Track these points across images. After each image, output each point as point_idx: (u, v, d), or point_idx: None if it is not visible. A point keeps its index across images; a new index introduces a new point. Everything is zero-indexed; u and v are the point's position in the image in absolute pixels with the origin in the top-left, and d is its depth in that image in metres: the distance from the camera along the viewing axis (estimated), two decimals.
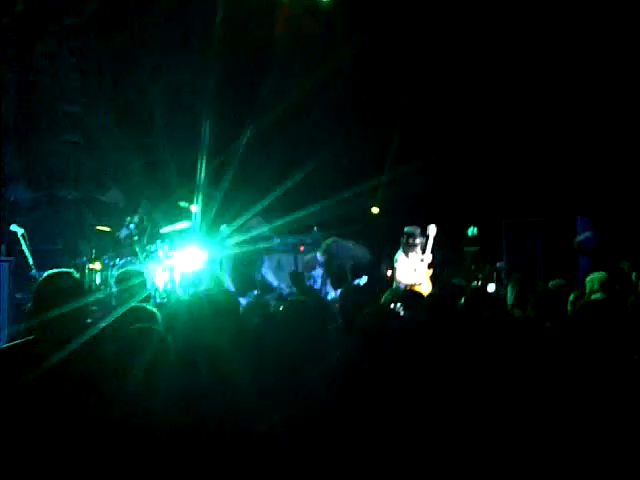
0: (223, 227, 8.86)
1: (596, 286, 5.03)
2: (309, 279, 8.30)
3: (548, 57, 9.89)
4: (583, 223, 8.86)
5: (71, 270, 3.04)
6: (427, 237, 8.08)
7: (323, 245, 9.49)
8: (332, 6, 10.29)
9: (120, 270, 8.14)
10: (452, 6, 10.16)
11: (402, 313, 4.17)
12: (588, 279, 5.36)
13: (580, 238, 8.48)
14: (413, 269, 8.04)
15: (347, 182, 10.79)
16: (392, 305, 4.30)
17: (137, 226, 8.96)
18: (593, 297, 4.45)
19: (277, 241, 9.94)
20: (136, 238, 8.76)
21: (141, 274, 4.67)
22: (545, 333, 3.66)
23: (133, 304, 3.75)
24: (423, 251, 8.06)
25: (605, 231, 8.57)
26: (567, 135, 9.78)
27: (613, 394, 3.03)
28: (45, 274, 2.97)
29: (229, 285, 6.75)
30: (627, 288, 5.56)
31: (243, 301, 6.49)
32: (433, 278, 8.14)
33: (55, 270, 2.99)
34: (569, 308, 4.48)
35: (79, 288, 2.96)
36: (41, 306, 2.83)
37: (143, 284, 4.49)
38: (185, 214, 8.89)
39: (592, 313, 3.44)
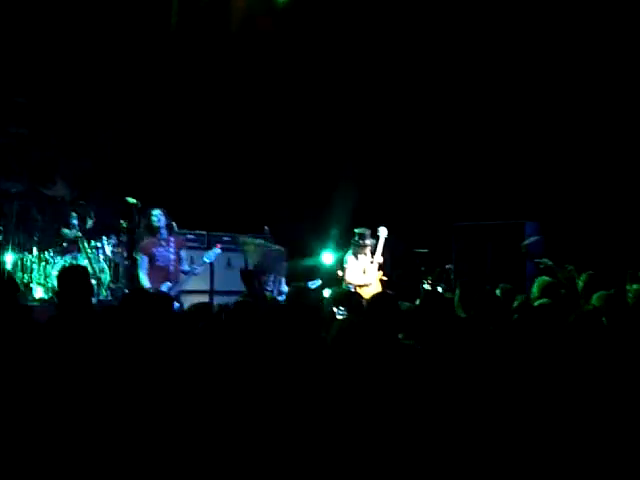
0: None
1: (540, 291, 5.07)
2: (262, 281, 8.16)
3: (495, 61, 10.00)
4: (531, 227, 8.99)
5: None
6: (377, 239, 8.11)
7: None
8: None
9: (62, 265, 8.02)
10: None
11: (342, 315, 4.15)
12: (534, 284, 5.42)
13: (527, 242, 8.58)
14: (362, 270, 8.05)
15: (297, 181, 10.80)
16: (334, 307, 4.27)
17: (81, 222, 8.78)
18: (538, 302, 4.48)
19: (227, 239, 9.84)
20: (80, 234, 8.59)
21: (84, 270, 4.52)
22: (487, 335, 3.67)
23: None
24: (373, 253, 8.08)
25: (552, 235, 8.70)
26: (515, 141, 9.90)
27: (550, 396, 3.05)
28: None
29: (144, 280, 6.62)
30: (572, 293, 5.63)
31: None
32: (384, 280, 8.17)
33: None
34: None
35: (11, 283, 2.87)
36: None
37: (87, 280, 4.34)
38: (133, 210, 8.71)
39: (532, 318, 3.48)
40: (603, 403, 3.14)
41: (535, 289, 5.18)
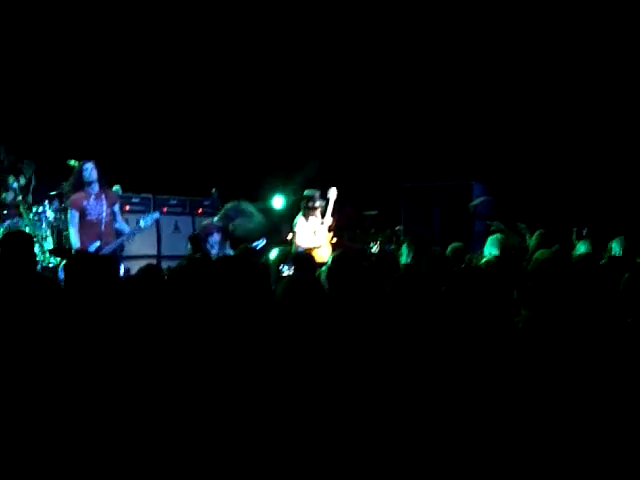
0: (115, 187, 8.48)
1: (489, 248, 5.11)
2: (207, 244, 8.03)
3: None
4: (478, 188, 9.08)
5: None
6: (327, 200, 8.05)
7: (222, 210, 9.28)
8: None
9: (3, 231, 7.75)
10: None
11: (287, 273, 4.11)
12: (487, 242, 5.45)
13: (475, 202, 8.67)
14: (313, 232, 8.00)
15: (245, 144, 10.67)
16: (280, 265, 4.22)
17: (22, 187, 8.50)
18: (485, 259, 4.51)
19: (173, 202, 9.69)
20: (20, 199, 8.31)
21: (28, 236, 4.34)
22: (440, 294, 3.67)
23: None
24: (323, 214, 8.03)
25: (499, 195, 8.82)
26: (462, 101, 9.94)
27: (499, 356, 3.07)
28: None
29: (74, 237, 6.35)
30: (523, 250, 5.69)
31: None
32: (334, 242, 8.15)
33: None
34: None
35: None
36: None
37: (30, 247, 4.16)
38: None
39: (479, 275, 3.48)
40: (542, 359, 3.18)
41: (486, 248, 5.22)
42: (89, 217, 6.32)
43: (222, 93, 10.79)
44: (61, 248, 6.22)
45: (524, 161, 9.57)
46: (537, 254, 4.73)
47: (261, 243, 7.49)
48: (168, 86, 10.56)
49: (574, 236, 6.23)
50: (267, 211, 9.67)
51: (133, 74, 10.32)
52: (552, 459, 2.70)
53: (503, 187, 9.17)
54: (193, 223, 10.01)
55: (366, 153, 10.59)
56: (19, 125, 9.62)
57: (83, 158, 7.15)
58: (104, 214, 6.39)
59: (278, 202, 9.85)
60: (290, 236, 8.17)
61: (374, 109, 10.54)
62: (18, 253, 3.84)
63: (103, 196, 6.44)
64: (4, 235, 4.27)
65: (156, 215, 6.84)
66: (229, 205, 8.85)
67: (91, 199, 6.35)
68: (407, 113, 10.35)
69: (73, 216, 6.34)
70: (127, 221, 7.02)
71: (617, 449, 2.71)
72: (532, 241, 5.70)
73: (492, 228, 6.90)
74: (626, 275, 3.59)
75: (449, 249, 5.25)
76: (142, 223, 6.60)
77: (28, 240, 4.10)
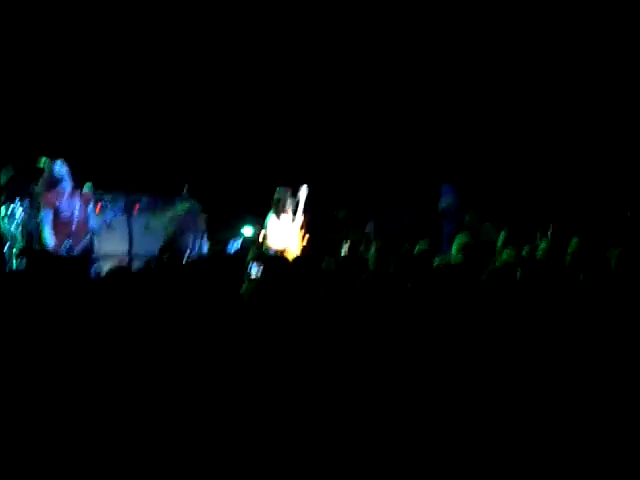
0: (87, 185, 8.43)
1: (458, 249, 5.22)
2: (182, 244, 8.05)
3: None
4: (446, 188, 9.21)
5: None
6: (298, 199, 8.12)
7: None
8: None
9: None
10: None
11: (255, 274, 4.17)
12: (454, 242, 5.55)
13: (443, 204, 8.80)
14: (284, 232, 8.06)
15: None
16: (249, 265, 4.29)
17: None
18: (454, 260, 4.62)
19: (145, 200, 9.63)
20: None
21: None
22: (405, 293, 3.76)
23: None
24: (294, 213, 8.09)
25: (468, 196, 8.95)
26: (430, 104, 10.06)
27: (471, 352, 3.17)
28: None
29: (48, 237, 6.34)
30: (489, 250, 5.80)
31: None
32: (305, 240, 8.20)
33: None
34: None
35: None
36: None
37: None
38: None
39: (447, 276, 3.59)
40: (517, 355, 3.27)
41: (454, 248, 5.32)
42: (63, 215, 6.32)
43: (196, 89, 10.77)
44: (29, 249, 6.19)
45: (492, 161, 9.72)
46: (504, 254, 4.88)
47: (237, 243, 7.55)
48: (140, 82, 10.51)
49: (538, 235, 6.37)
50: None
51: (105, 69, 10.25)
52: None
53: (471, 187, 9.31)
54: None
55: (337, 152, 10.65)
56: None
57: (52, 157, 7.15)
58: (77, 212, 6.39)
59: (248, 231, 9.78)
60: (262, 236, 8.22)
61: (345, 109, 10.61)
62: None
63: (77, 194, 6.44)
64: None
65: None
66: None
67: (64, 197, 6.36)
68: (376, 114, 10.43)
69: (47, 215, 6.33)
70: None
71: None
72: (499, 240, 5.82)
73: (466, 220, 6.97)
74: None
75: (416, 249, 5.34)
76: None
77: None
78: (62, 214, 6.32)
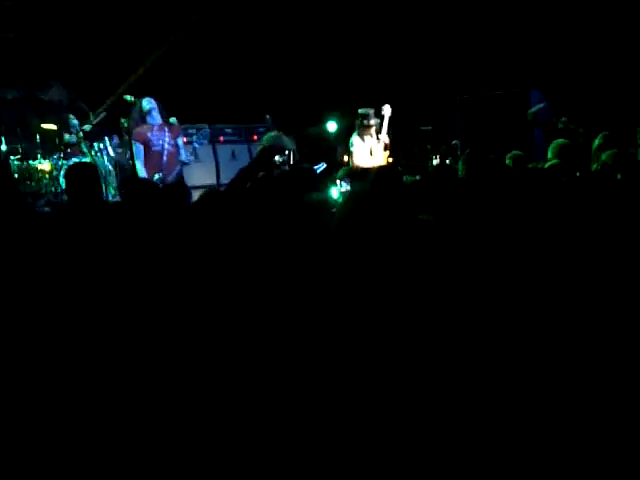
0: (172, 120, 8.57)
1: (553, 153, 5.02)
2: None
3: None
4: (535, 95, 8.82)
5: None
6: (382, 118, 7.98)
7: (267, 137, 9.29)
8: None
9: (69, 164, 7.98)
10: None
11: (346, 188, 4.13)
12: (550, 147, 5.34)
13: (534, 110, 8.44)
14: (369, 151, 7.97)
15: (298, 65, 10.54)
16: (338, 182, 4.25)
17: (82, 124, 8.67)
18: (548, 164, 4.45)
19: (229, 131, 9.75)
20: (82, 135, 8.49)
21: (93, 166, 4.47)
22: (495, 201, 3.66)
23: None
24: (379, 132, 7.97)
25: (558, 101, 8.55)
26: (515, 6, 9.56)
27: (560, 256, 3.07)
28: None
29: (140, 170, 6.56)
30: (584, 155, 5.57)
31: None
32: (390, 159, 8.10)
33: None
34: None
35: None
36: None
37: (96, 176, 4.27)
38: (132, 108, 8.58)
39: (541, 179, 3.46)
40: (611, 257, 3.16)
41: (550, 152, 5.12)
42: (153, 149, 6.52)
43: (272, 19, 10.64)
44: (132, 178, 6.42)
45: (582, 64, 9.22)
46: (604, 155, 4.65)
47: (321, 167, 7.53)
48: (220, 16, 10.45)
49: (639, 136, 6.04)
50: (322, 135, 9.65)
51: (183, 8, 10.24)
52: None
53: (561, 92, 8.88)
54: (249, 150, 10.10)
55: (419, 67, 10.36)
56: (75, 63, 9.73)
57: (136, 93, 7.31)
58: (167, 145, 6.58)
59: (332, 126, 9.78)
60: (346, 158, 8.17)
61: (423, 20, 10.25)
62: (84, 182, 3.92)
63: (166, 128, 6.63)
64: (70, 167, 4.38)
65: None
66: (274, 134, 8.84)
67: (154, 130, 6.55)
68: (457, 22, 10.02)
69: (138, 149, 6.53)
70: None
71: None
72: (595, 142, 5.54)
73: (560, 125, 6.69)
74: None
75: (508, 157, 5.18)
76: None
77: (93, 170, 4.20)
78: (153, 148, 6.52)
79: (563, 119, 6.59)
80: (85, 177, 3.91)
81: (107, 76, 9.75)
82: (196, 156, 6.92)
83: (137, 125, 6.67)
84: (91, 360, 2.50)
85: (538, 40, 9.49)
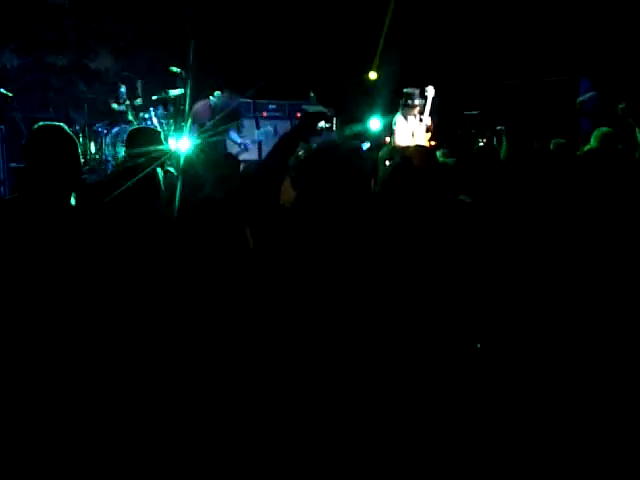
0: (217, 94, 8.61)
1: (597, 141, 4.92)
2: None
3: None
4: (585, 83, 8.63)
5: (61, 124, 2.80)
6: (426, 99, 7.89)
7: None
8: None
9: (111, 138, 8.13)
10: None
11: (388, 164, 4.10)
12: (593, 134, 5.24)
13: (583, 98, 8.26)
14: (411, 132, 7.91)
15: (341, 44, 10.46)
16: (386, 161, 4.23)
17: (129, 93, 8.77)
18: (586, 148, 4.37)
19: (272, 107, 9.77)
20: (128, 103, 8.60)
21: (157, 131, 4.41)
22: (538, 186, 3.61)
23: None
24: (422, 113, 7.90)
25: (608, 91, 8.35)
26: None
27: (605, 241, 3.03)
28: (34, 127, 2.63)
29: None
30: (632, 144, 5.44)
31: None
32: (433, 142, 8.02)
33: (43, 123, 2.74)
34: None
35: (72, 141, 2.74)
36: (33, 162, 2.57)
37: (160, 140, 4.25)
38: (177, 80, 8.67)
39: (586, 163, 3.40)
40: None
41: (592, 139, 5.02)
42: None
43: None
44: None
45: (633, 53, 8.99)
46: None
47: (366, 145, 7.50)
48: None
49: None
50: (365, 133, 9.61)
51: None
52: None
53: (612, 82, 8.67)
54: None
55: (465, 50, 10.20)
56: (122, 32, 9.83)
57: (184, 64, 7.41)
58: None
59: (375, 124, 9.66)
60: (388, 139, 8.11)
61: (474, 4, 10.08)
62: (148, 143, 3.91)
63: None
64: (133, 130, 4.37)
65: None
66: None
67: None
68: (507, 6, 9.83)
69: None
70: None
71: None
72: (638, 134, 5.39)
73: (620, 106, 6.48)
74: None
75: (552, 144, 5.09)
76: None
77: (158, 133, 4.19)
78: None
79: (621, 105, 6.40)
80: (150, 139, 3.90)
81: (154, 46, 9.84)
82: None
83: None
84: (100, 356, 2.49)
85: (590, 27, 9.27)
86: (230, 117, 7.83)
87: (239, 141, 6.99)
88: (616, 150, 4.74)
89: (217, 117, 7.61)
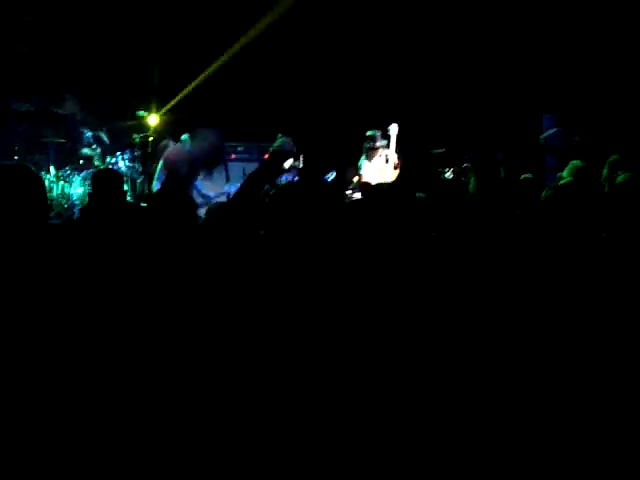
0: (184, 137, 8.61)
1: (570, 173, 4.99)
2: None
3: None
4: (548, 119, 8.80)
5: (26, 164, 2.72)
6: (389, 138, 7.97)
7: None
8: None
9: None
10: None
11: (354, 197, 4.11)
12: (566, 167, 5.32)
13: (546, 135, 8.42)
14: (378, 172, 7.96)
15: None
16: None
17: (95, 138, 8.75)
18: (561, 182, 4.43)
19: (241, 149, 9.79)
20: (94, 148, 8.57)
21: (119, 174, 4.51)
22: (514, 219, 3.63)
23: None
24: (387, 153, 7.96)
25: (571, 127, 8.52)
26: (528, 32, 9.57)
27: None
28: None
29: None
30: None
31: None
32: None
33: (7, 163, 2.69)
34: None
35: (37, 180, 2.68)
36: None
37: (121, 182, 4.29)
38: (143, 124, 8.68)
39: (558, 197, 3.42)
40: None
41: (566, 171, 5.10)
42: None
43: (290, 40, 10.69)
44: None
45: (596, 90, 9.20)
46: (619, 178, 4.62)
47: (332, 175, 7.54)
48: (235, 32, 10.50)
49: None
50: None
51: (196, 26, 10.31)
52: None
53: (575, 118, 8.85)
54: None
55: (429, 87, 10.34)
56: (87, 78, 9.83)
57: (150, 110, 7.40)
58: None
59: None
60: (356, 179, 8.14)
61: (436, 44, 10.25)
62: (109, 186, 3.96)
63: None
64: (98, 171, 4.42)
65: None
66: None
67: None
68: (470, 44, 10.01)
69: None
70: None
71: None
72: (606, 168, 5.50)
73: (575, 139, 6.62)
74: None
75: (522, 177, 5.15)
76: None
77: (119, 177, 4.27)
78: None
79: (576, 138, 6.55)
80: (111, 183, 3.95)
81: (120, 90, 9.84)
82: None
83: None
84: (100, 360, 2.47)
85: (552, 64, 9.48)
86: (209, 163, 7.79)
87: (203, 192, 6.94)
88: (591, 183, 4.80)
89: (195, 164, 7.57)
